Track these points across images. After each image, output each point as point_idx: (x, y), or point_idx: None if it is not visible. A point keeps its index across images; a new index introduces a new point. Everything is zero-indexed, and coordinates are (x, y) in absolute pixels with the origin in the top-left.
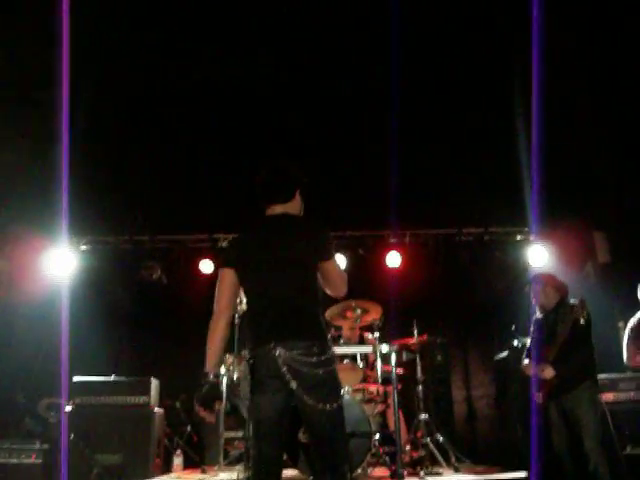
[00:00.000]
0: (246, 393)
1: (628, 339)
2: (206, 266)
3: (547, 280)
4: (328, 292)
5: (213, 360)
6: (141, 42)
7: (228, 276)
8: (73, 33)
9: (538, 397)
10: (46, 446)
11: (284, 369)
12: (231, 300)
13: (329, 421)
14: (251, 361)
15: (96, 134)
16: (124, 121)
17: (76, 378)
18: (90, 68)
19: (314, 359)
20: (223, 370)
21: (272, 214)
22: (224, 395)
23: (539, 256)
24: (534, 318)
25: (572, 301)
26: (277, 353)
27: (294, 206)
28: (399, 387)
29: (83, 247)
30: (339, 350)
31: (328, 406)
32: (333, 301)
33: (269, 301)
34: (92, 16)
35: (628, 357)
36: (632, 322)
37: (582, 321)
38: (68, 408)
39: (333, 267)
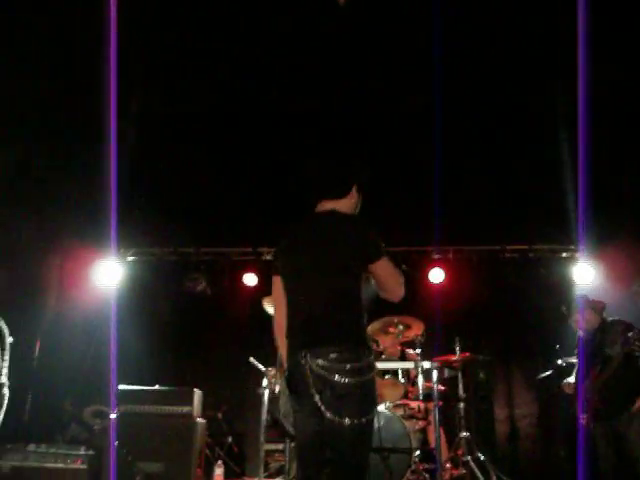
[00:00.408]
0: (285, 410)
1: None
2: (250, 279)
3: (584, 304)
4: (383, 296)
5: (280, 371)
6: (190, 58)
7: (276, 284)
8: (122, 53)
9: (583, 419)
10: (91, 452)
11: (310, 380)
12: (285, 307)
13: (350, 438)
14: (287, 374)
15: (143, 147)
16: (170, 134)
17: (121, 387)
18: (137, 81)
19: (348, 366)
20: (265, 383)
21: (320, 211)
22: (265, 407)
23: (586, 274)
24: (579, 337)
25: (616, 319)
26: (307, 361)
27: (347, 204)
28: (440, 404)
29: (130, 258)
30: (380, 365)
31: (354, 421)
32: (375, 316)
33: (303, 308)
34: (141, 38)
35: None
36: None
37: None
38: (113, 416)
39: (382, 268)
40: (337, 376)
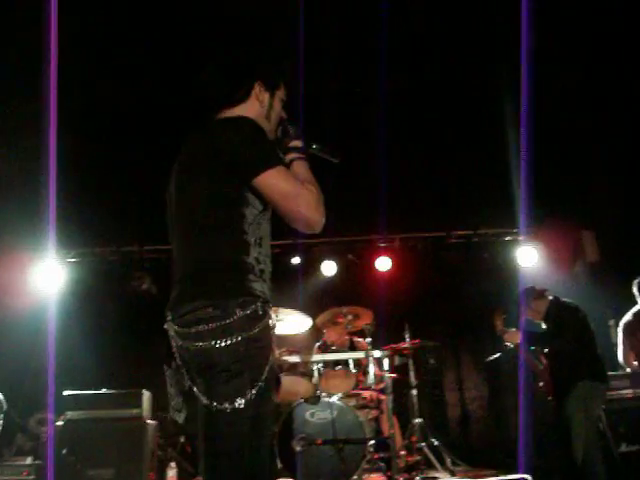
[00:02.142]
0: (170, 394)
1: (623, 337)
2: None
3: (531, 295)
4: (294, 226)
5: None
6: (129, 55)
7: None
8: (61, 47)
9: (542, 386)
10: (39, 462)
11: (176, 347)
12: None
13: (214, 425)
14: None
15: (82, 145)
16: (112, 131)
17: (66, 392)
18: (77, 78)
19: (201, 327)
20: None
21: (215, 119)
22: None
23: (528, 256)
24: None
25: (563, 300)
26: (168, 326)
27: (252, 109)
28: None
29: (70, 259)
30: (331, 357)
31: (220, 406)
32: (323, 308)
33: (173, 252)
34: (80, 35)
35: (623, 356)
36: (625, 320)
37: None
38: (59, 423)
39: (273, 184)
40: (192, 342)
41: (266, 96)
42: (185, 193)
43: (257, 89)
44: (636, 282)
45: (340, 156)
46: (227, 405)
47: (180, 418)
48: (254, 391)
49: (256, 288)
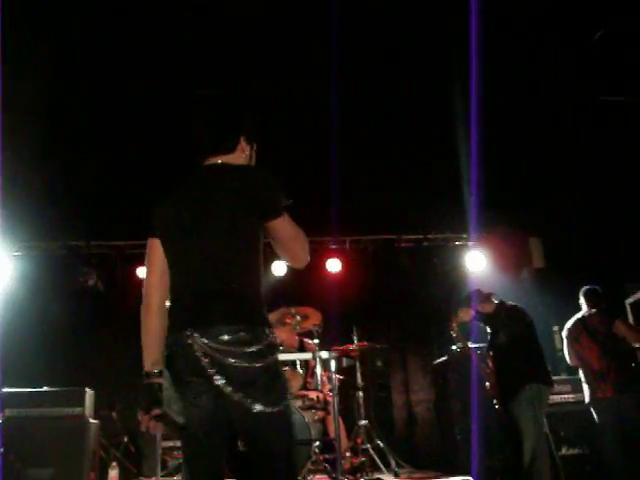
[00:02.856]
0: (168, 396)
1: (567, 341)
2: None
3: (478, 297)
4: (286, 262)
5: (151, 356)
6: (85, 40)
7: (154, 247)
8: (7, 24)
9: (488, 389)
10: None
11: (205, 362)
12: (162, 277)
13: (270, 427)
14: (166, 353)
15: (30, 136)
16: (59, 122)
17: (6, 389)
18: (25, 66)
19: (246, 349)
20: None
21: (208, 164)
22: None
23: (477, 262)
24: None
25: (508, 303)
26: (194, 341)
27: (238, 158)
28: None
29: (15, 253)
30: (279, 357)
31: (269, 409)
32: (271, 308)
33: (189, 278)
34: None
35: (571, 359)
36: (568, 326)
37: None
38: None
39: (285, 228)
40: (235, 360)
41: (247, 148)
42: (207, 226)
43: (242, 142)
44: (583, 290)
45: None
46: (275, 409)
47: (180, 420)
48: (286, 402)
49: (268, 317)
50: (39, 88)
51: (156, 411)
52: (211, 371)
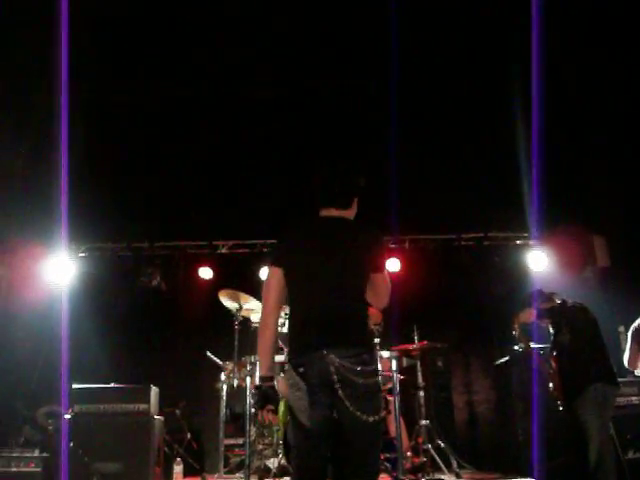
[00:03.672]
0: (300, 405)
1: (631, 341)
2: (205, 272)
3: (540, 297)
4: (371, 302)
5: (267, 363)
6: (141, 51)
7: (276, 276)
8: (74, 38)
9: (552, 390)
10: (45, 454)
11: (335, 377)
12: (279, 301)
13: (371, 434)
14: (301, 369)
15: (96, 141)
16: (124, 128)
17: (75, 386)
18: (91, 75)
19: (360, 368)
20: (223, 377)
21: (328, 216)
22: (224, 402)
23: (539, 261)
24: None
25: (571, 302)
26: (329, 360)
27: (351, 213)
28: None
29: (82, 254)
30: None
31: (372, 418)
32: None
33: (320, 307)
34: (94, 22)
35: (629, 359)
36: (636, 324)
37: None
38: (67, 416)
39: (384, 278)
40: (356, 377)
41: (356, 205)
42: (336, 268)
43: (355, 202)
44: None
45: None
46: (376, 418)
47: (307, 423)
48: (382, 413)
49: None
50: (101, 91)
51: (269, 407)
52: (337, 385)
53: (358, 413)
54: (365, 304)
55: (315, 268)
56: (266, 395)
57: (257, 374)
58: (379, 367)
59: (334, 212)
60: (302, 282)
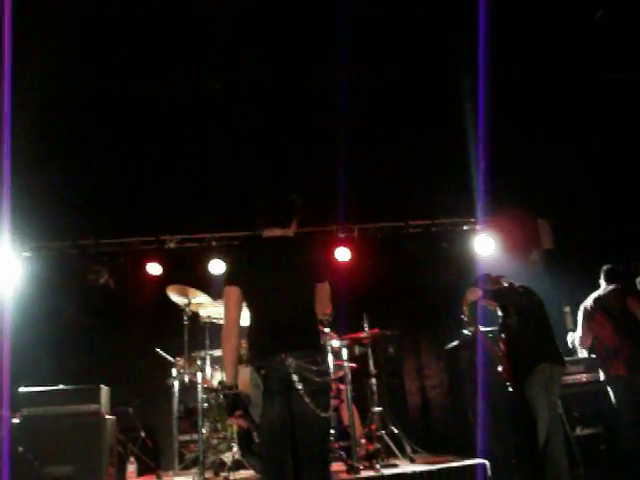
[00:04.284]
0: (256, 401)
1: (582, 321)
2: (154, 268)
3: (487, 281)
4: (317, 309)
5: (232, 372)
6: (84, 47)
7: (234, 294)
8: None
9: (501, 372)
10: None
11: (294, 376)
12: (238, 317)
13: (325, 426)
14: (263, 371)
15: (38, 137)
16: (66, 125)
17: (22, 389)
18: (34, 71)
19: (318, 367)
20: (174, 373)
21: (272, 236)
22: (177, 398)
23: (485, 245)
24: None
25: (517, 285)
26: (288, 362)
27: (292, 230)
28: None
29: (26, 253)
30: None
31: (325, 414)
32: None
33: (276, 317)
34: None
35: (582, 339)
36: (586, 304)
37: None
38: (15, 420)
39: (326, 289)
40: (312, 375)
41: (296, 223)
42: (286, 284)
43: (294, 221)
44: (604, 269)
45: None
46: (328, 414)
47: (258, 420)
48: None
49: None
50: (44, 90)
51: (238, 412)
52: (297, 383)
53: (313, 407)
54: (314, 312)
55: (268, 284)
56: (234, 402)
57: (208, 369)
58: (330, 367)
59: (277, 232)
60: (258, 297)
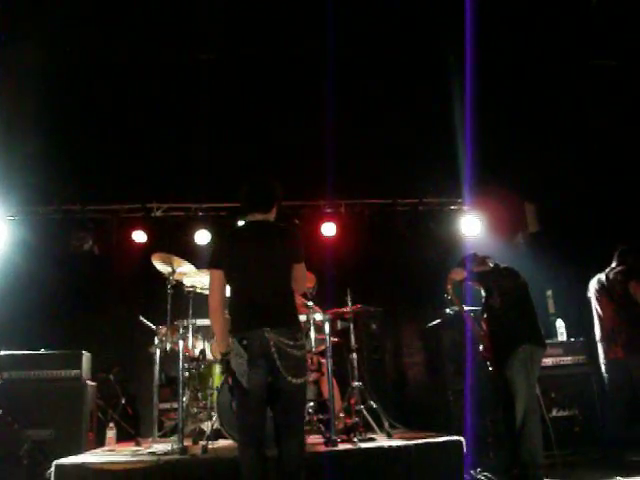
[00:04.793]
0: (241, 370)
1: (592, 300)
2: (139, 236)
3: (474, 261)
4: (293, 287)
5: (225, 341)
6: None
7: (217, 276)
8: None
9: (482, 351)
10: None
11: (273, 349)
12: (223, 296)
13: (300, 392)
14: (244, 342)
15: (24, 101)
16: (56, 87)
17: (3, 352)
18: (22, 31)
19: (293, 342)
20: (156, 341)
21: (253, 220)
22: (158, 366)
23: (472, 226)
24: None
25: (503, 266)
26: (269, 336)
27: (272, 215)
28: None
29: (10, 217)
30: None
31: (300, 380)
32: None
33: (257, 295)
34: None
35: (608, 318)
36: (591, 283)
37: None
38: None
39: (302, 269)
40: (289, 349)
41: (276, 209)
42: (266, 263)
43: (275, 206)
44: (619, 248)
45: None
46: (302, 380)
47: (245, 384)
48: (307, 376)
49: None
50: (35, 53)
51: (230, 375)
52: (275, 355)
53: (289, 377)
54: (291, 291)
55: (249, 265)
56: (228, 367)
57: (190, 338)
58: (304, 341)
59: (258, 216)
60: (241, 277)
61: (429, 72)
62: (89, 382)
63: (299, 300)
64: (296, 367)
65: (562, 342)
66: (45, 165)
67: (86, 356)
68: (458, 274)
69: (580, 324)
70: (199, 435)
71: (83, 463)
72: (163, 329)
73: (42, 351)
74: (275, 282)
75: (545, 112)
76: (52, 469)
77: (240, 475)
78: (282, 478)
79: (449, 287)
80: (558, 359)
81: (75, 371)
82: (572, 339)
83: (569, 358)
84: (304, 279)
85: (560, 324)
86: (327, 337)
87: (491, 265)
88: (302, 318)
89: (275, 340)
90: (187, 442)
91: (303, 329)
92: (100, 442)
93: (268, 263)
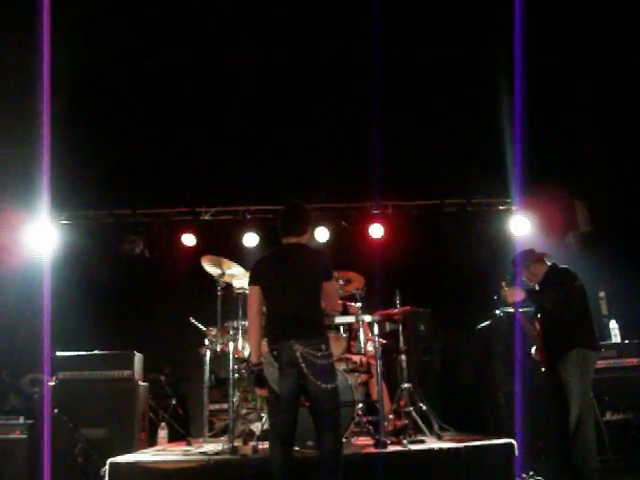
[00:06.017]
0: (273, 377)
1: None
2: (189, 239)
3: (526, 257)
4: (325, 305)
5: (257, 352)
6: (123, 20)
7: (255, 292)
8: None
9: (535, 353)
10: (30, 421)
11: (300, 359)
12: (259, 309)
13: (329, 397)
14: (275, 352)
15: (78, 107)
16: (106, 94)
17: (59, 353)
18: (70, 42)
19: (320, 353)
20: (207, 342)
21: (287, 243)
22: (208, 367)
23: (521, 226)
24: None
25: (563, 267)
26: (296, 347)
27: (305, 239)
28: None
29: (63, 221)
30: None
31: (329, 386)
32: None
33: (286, 312)
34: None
35: None
36: None
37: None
38: (52, 383)
39: (332, 286)
40: (315, 359)
41: (311, 234)
42: (297, 282)
43: (309, 230)
44: None
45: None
46: (331, 386)
47: (277, 390)
48: (336, 383)
49: None
50: (87, 58)
51: (262, 385)
52: (302, 365)
53: (318, 382)
54: (319, 307)
55: (281, 284)
56: (259, 376)
57: (240, 340)
58: (331, 351)
59: (292, 239)
60: (274, 294)
61: (478, 72)
62: (141, 382)
63: (347, 303)
64: (323, 373)
65: (616, 344)
66: (96, 171)
67: (138, 357)
68: (511, 295)
69: (634, 325)
70: (249, 436)
71: (136, 462)
72: (213, 330)
73: (95, 352)
74: (303, 300)
75: (596, 108)
76: (106, 467)
77: (269, 468)
78: (322, 471)
79: (503, 284)
80: (612, 361)
81: (127, 372)
82: (626, 341)
83: (623, 360)
84: (335, 296)
85: (613, 325)
86: (376, 339)
87: (548, 263)
88: (351, 320)
89: (301, 351)
90: (237, 442)
91: (329, 343)
92: (152, 442)
93: (298, 283)
